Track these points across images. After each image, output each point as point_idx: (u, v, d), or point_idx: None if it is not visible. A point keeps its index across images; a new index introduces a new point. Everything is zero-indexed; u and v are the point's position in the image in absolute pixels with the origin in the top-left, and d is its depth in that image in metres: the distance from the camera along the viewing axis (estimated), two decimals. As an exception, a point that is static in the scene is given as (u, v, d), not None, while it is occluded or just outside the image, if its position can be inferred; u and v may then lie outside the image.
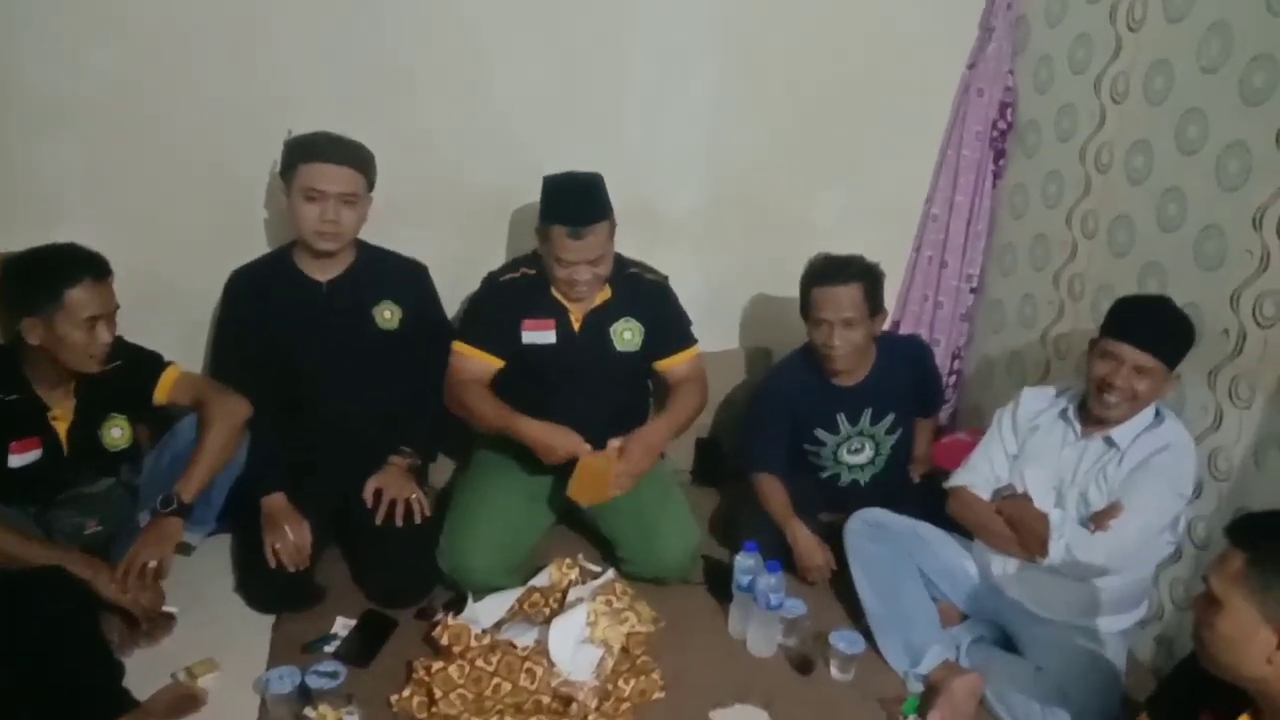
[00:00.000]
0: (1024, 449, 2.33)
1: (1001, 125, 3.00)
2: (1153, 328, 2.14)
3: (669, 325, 2.65)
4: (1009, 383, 3.06)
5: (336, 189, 2.38)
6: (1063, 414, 2.30)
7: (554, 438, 2.41)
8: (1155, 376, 2.12)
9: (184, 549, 2.39)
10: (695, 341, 2.71)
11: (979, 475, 2.36)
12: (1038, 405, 2.36)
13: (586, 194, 2.41)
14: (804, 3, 2.87)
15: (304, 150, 2.39)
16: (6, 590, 1.87)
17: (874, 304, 2.52)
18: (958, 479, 2.39)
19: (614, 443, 2.44)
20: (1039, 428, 2.32)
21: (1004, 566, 2.31)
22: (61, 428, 2.21)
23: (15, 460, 2.15)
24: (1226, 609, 1.41)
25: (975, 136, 3.01)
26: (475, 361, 2.53)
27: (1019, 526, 2.24)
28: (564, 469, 2.44)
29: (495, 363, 2.54)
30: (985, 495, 2.34)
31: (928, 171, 3.18)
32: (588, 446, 2.41)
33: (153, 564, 2.15)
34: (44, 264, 2.08)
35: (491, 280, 2.59)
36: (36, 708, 1.79)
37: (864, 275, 2.49)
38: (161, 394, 2.34)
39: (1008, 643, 2.35)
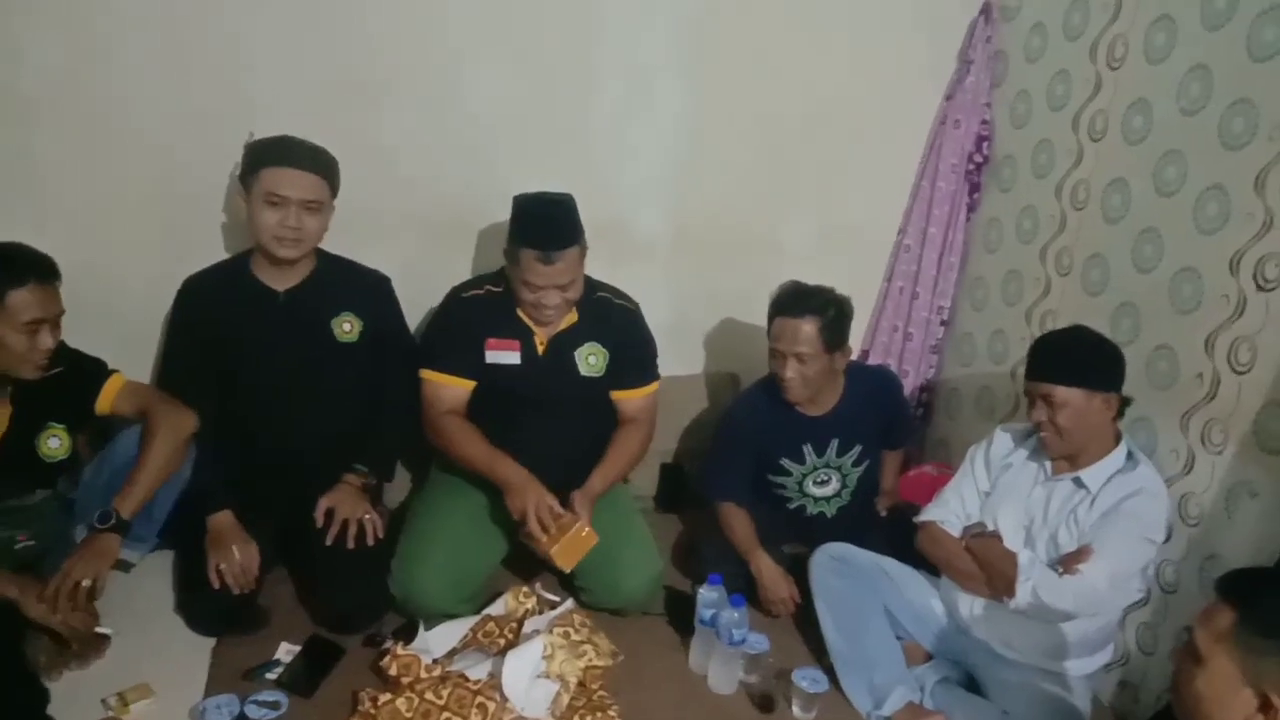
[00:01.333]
0: (996, 487, 2.31)
1: (977, 158, 2.99)
2: (1049, 359, 2.15)
3: (633, 356, 2.57)
4: (977, 417, 3.04)
5: (299, 195, 2.30)
6: (1034, 453, 2.28)
7: (530, 486, 2.32)
8: (1073, 404, 2.10)
9: (123, 566, 2.29)
10: (656, 378, 2.64)
11: (950, 511, 2.33)
12: (1011, 444, 2.33)
13: (558, 217, 2.34)
14: (779, 26, 2.85)
15: (267, 154, 2.30)
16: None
17: (832, 340, 2.45)
18: (928, 514, 2.36)
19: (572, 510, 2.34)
20: (1011, 466, 2.30)
21: (971, 606, 2.27)
22: None
23: None
24: (1209, 666, 1.37)
25: (950, 169, 3.00)
26: (448, 389, 2.46)
27: (987, 566, 2.20)
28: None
29: (467, 385, 2.47)
30: (955, 531, 2.30)
31: (901, 202, 3.16)
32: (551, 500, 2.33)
33: (86, 583, 2.04)
34: None
35: (454, 296, 2.52)
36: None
37: (823, 310, 2.43)
38: (104, 403, 2.23)
39: (973, 683, 2.31)
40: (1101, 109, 2.54)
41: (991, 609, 2.23)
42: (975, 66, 2.93)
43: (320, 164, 2.34)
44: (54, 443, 2.19)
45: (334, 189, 2.38)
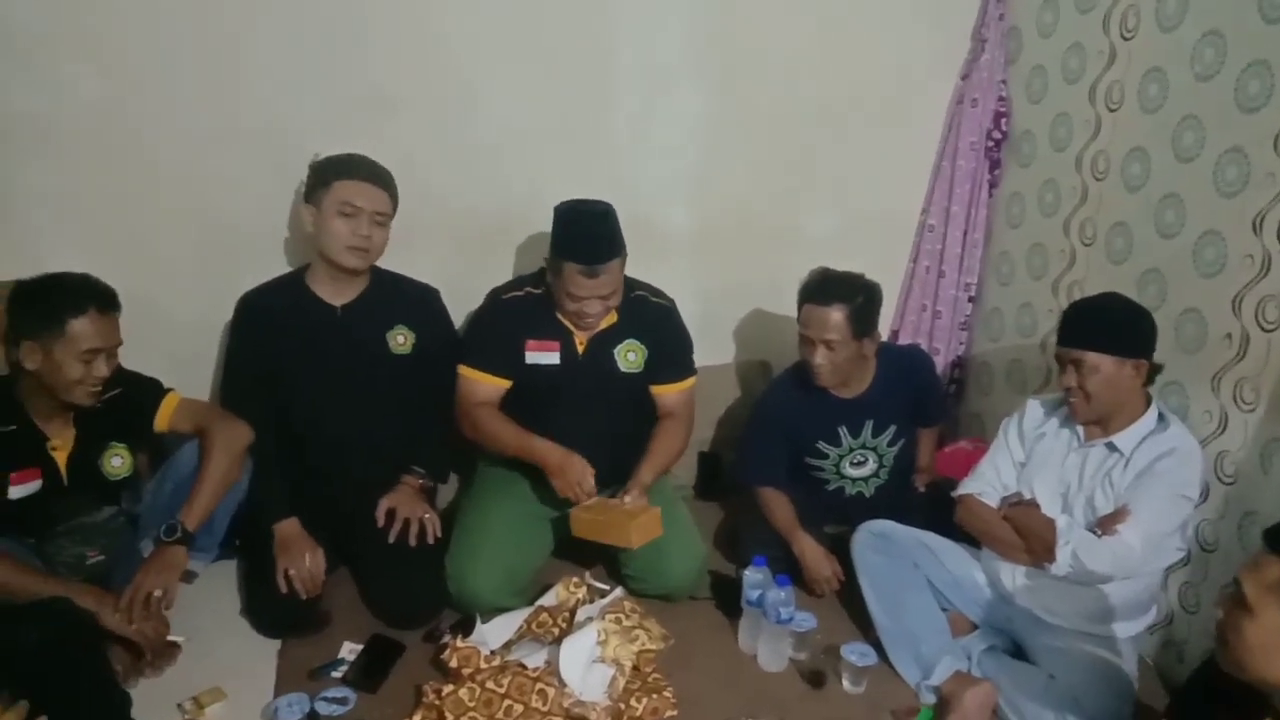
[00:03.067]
0: (1031, 457, 2.34)
1: (996, 135, 3.02)
2: (1079, 324, 2.18)
3: (670, 352, 2.63)
4: (1009, 391, 3.07)
5: (371, 206, 2.40)
6: (1066, 421, 2.31)
7: (570, 463, 2.41)
8: (1103, 370, 2.13)
9: (188, 577, 2.37)
10: (693, 373, 2.69)
11: (986, 483, 2.37)
12: (1043, 413, 2.37)
13: (601, 230, 2.40)
14: (792, 19, 2.89)
15: (340, 168, 2.40)
16: (11, 622, 1.85)
17: (860, 327, 2.48)
18: (965, 487, 2.40)
19: (628, 497, 2.41)
20: (1045, 435, 2.33)
21: (1013, 575, 2.30)
22: (61, 457, 2.19)
23: (15, 491, 2.12)
24: (1258, 616, 1.40)
25: (970, 147, 3.03)
26: (483, 385, 2.52)
27: (1026, 533, 2.24)
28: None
29: (503, 384, 2.53)
30: (993, 503, 2.34)
31: (923, 182, 3.19)
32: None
33: (158, 593, 2.12)
34: (53, 290, 2.06)
35: (495, 297, 2.58)
36: (44, 742, 1.77)
37: (851, 297, 2.46)
38: (162, 421, 2.32)
39: (1020, 651, 2.35)
40: (1117, 79, 2.57)
41: (1033, 577, 2.26)
42: (989, 45, 2.96)
43: (387, 181, 2.44)
44: (116, 461, 2.28)
45: (395, 206, 2.47)
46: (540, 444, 2.44)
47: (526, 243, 2.87)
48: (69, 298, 2.05)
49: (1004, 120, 3.01)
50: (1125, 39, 2.53)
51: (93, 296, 2.07)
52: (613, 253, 2.39)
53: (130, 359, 2.30)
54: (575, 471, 2.36)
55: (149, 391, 2.32)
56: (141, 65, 2.46)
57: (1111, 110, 2.60)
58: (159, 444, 2.45)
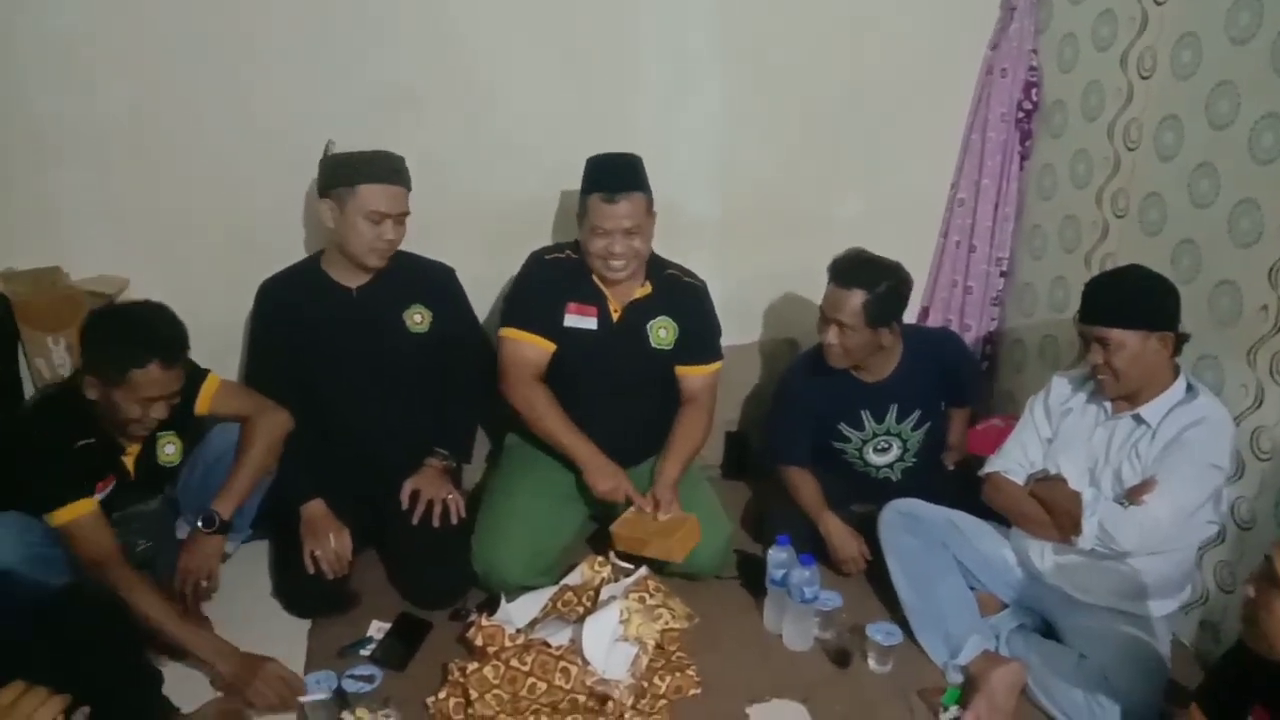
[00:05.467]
0: (1059, 433, 2.30)
1: (1027, 106, 2.96)
2: (1101, 301, 2.13)
3: (700, 332, 2.63)
4: (1042, 367, 3.02)
5: (396, 209, 2.40)
6: (1093, 396, 2.27)
7: (616, 475, 2.47)
8: (1129, 346, 2.08)
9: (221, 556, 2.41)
10: (720, 358, 2.68)
11: (1012, 460, 2.33)
12: (1070, 389, 2.33)
13: (623, 164, 2.42)
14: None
15: (363, 171, 2.36)
16: (44, 604, 1.88)
17: (877, 316, 2.43)
18: (992, 465, 2.36)
19: (661, 507, 2.44)
20: (1072, 410, 2.29)
21: (1042, 553, 2.27)
22: (130, 460, 2.25)
23: (98, 497, 2.17)
24: None
25: (1000, 118, 2.97)
26: (528, 347, 2.51)
27: (1053, 507, 2.20)
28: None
29: (548, 346, 2.52)
30: (1020, 480, 2.31)
31: (953, 156, 3.14)
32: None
33: (204, 583, 2.20)
34: (123, 336, 2.05)
35: (537, 258, 2.58)
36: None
37: (873, 284, 2.41)
38: (203, 404, 2.32)
39: (1050, 631, 2.32)
40: (1149, 46, 2.50)
41: (1064, 554, 2.23)
42: (1019, 13, 2.89)
43: (405, 176, 2.43)
44: (170, 449, 2.32)
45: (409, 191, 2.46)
46: (587, 448, 2.47)
47: (552, 232, 2.88)
48: (135, 348, 2.03)
49: (1034, 90, 2.95)
50: (1158, 4, 2.46)
51: (158, 349, 2.05)
52: (634, 184, 2.40)
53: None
54: (623, 479, 2.44)
55: (189, 375, 2.33)
56: (166, 67, 2.48)
57: (1144, 78, 2.53)
58: (198, 427, 2.48)
